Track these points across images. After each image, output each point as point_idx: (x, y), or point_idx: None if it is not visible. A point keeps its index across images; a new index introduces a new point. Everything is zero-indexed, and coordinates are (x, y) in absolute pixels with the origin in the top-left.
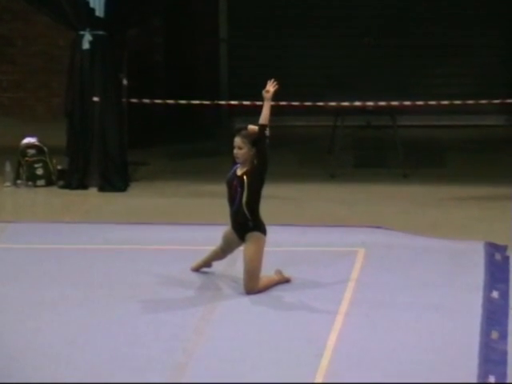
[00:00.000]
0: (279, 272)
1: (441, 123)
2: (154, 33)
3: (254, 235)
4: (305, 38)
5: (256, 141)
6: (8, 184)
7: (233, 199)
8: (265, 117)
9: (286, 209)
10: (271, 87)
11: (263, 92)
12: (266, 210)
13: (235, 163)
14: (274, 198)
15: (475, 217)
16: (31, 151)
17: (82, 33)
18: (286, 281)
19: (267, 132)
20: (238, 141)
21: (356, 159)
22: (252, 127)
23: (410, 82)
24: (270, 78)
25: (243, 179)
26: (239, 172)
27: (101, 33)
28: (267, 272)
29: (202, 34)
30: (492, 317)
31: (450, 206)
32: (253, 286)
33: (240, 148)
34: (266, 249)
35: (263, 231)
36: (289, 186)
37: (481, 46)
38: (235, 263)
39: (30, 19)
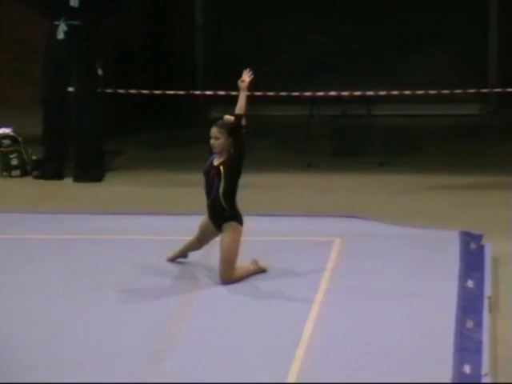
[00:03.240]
0: (255, 262)
1: (416, 112)
2: (130, 21)
3: (230, 225)
4: (281, 26)
5: (232, 130)
6: None
7: (210, 189)
8: (241, 106)
9: (262, 197)
10: (247, 77)
11: (239, 82)
12: (242, 198)
13: (212, 153)
14: (250, 187)
15: (452, 205)
16: (6, 142)
17: (56, 23)
18: (262, 271)
19: (243, 121)
20: (214, 131)
21: (332, 148)
22: (228, 117)
23: (385, 70)
24: (246, 67)
25: (220, 169)
26: (216, 162)
27: (76, 23)
28: (243, 262)
29: (177, 22)
30: (467, 305)
31: (426, 195)
32: (228, 275)
33: (217, 138)
34: (243, 238)
35: (240, 221)
36: (265, 174)
37: (456, 33)
38: (211, 253)
39: (8, 7)
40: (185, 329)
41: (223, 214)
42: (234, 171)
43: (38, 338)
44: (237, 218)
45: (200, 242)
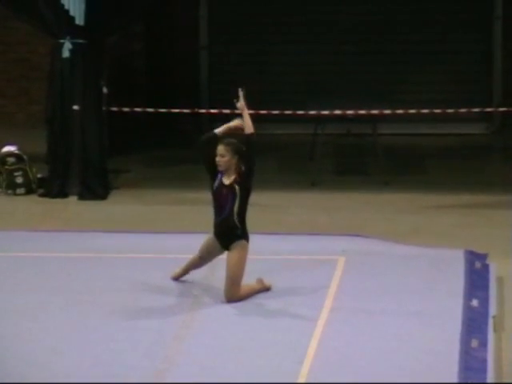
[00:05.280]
0: (260, 281)
1: (421, 131)
2: (134, 39)
3: (240, 243)
4: (285, 45)
5: (240, 150)
6: None
7: (221, 208)
8: (248, 126)
9: (266, 216)
10: (241, 98)
11: (237, 104)
12: (247, 217)
13: (218, 172)
14: (254, 206)
15: (456, 224)
16: (11, 159)
17: (61, 41)
18: (267, 289)
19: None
20: (221, 149)
21: (337, 167)
22: (238, 122)
23: (390, 89)
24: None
25: (234, 188)
26: (227, 181)
27: (81, 41)
28: (247, 280)
29: (181, 41)
30: (472, 325)
31: (430, 214)
32: (233, 293)
33: (223, 156)
34: (247, 257)
35: (248, 239)
36: (269, 193)
37: (461, 52)
38: (214, 272)
39: (10, 26)
40: (186, 348)
41: (235, 232)
42: (247, 190)
43: (35, 357)
44: (246, 236)
45: (202, 260)
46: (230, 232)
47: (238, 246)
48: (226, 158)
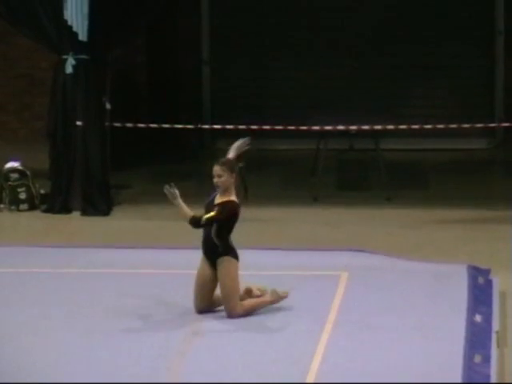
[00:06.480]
0: (274, 292)
1: (424, 147)
2: (136, 53)
3: (223, 260)
4: (287, 59)
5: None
6: None
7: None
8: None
9: (268, 231)
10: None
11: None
12: (249, 232)
13: (215, 189)
14: (257, 221)
15: (459, 239)
16: (14, 175)
17: (65, 57)
18: (283, 298)
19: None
20: (216, 169)
21: (339, 182)
22: (240, 143)
23: (392, 104)
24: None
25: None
26: (218, 200)
27: (84, 57)
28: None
29: (184, 56)
30: (475, 340)
31: (433, 229)
32: (232, 308)
33: (219, 176)
34: (250, 272)
35: (233, 255)
36: (272, 208)
37: (463, 67)
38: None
39: (13, 41)
40: (190, 362)
41: (216, 250)
42: (231, 216)
43: (41, 372)
44: (231, 252)
45: (202, 297)
46: (211, 250)
47: (222, 262)
48: (223, 178)
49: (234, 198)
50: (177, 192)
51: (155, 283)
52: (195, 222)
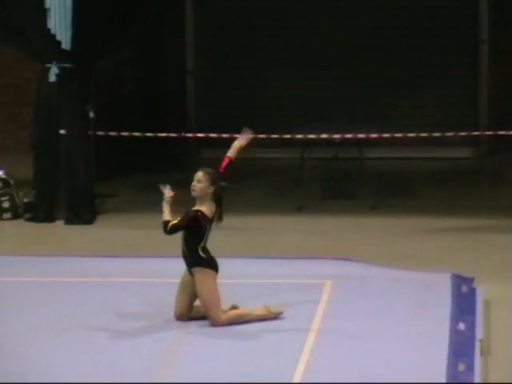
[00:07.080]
0: (267, 308)
1: (408, 155)
2: (122, 63)
3: (195, 270)
4: (272, 69)
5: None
6: None
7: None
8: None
9: (254, 240)
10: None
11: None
12: (234, 241)
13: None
14: (242, 230)
15: (444, 248)
16: None
17: (48, 65)
18: (276, 315)
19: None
20: (199, 174)
21: (324, 191)
22: (239, 142)
23: (377, 113)
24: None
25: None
26: (195, 207)
27: (67, 65)
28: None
29: (169, 66)
30: (459, 348)
31: (417, 238)
32: (214, 317)
33: (199, 181)
34: (234, 281)
35: (207, 265)
36: (257, 217)
37: (447, 76)
38: None
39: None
40: (174, 372)
41: (187, 260)
42: (193, 225)
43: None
44: (204, 263)
45: (184, 297)
46: (185, 259)
47: (196, 272)
48: (202, 185)
49: (204, 208)
50: (167, 194)
51: (140, 292)
52: (164, 228)
